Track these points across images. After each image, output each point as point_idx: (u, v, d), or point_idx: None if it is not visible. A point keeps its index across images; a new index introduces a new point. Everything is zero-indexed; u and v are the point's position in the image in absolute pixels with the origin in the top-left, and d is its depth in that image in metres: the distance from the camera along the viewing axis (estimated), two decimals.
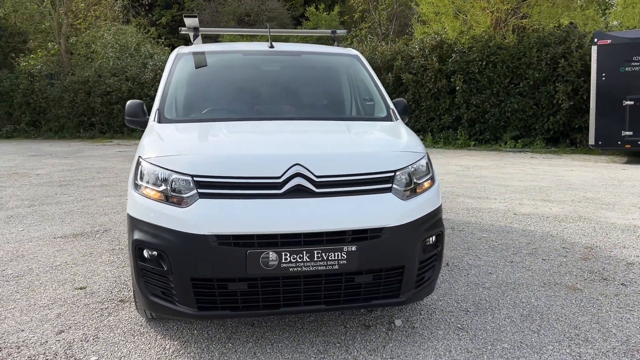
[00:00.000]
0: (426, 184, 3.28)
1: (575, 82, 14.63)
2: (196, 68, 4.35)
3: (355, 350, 3.11)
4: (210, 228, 2.78)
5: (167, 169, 2.96)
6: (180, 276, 2.82)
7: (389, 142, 3.38)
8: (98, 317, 3.61)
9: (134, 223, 3.00)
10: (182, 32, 4.95)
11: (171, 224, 2.83)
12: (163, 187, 2.94)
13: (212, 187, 2.89)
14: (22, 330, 3.41)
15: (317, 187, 2.94)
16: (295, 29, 24.97)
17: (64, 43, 26.57)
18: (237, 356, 3.04)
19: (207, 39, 22.35)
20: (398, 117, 4.00)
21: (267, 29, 4.72)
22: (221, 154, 3.08)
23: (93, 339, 3.27)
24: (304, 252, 2.80)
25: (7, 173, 11.20)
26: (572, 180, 9.43)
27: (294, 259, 2.80)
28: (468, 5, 16.65)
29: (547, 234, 5.74)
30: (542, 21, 16.86)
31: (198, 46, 4.53)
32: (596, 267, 4.63)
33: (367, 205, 2.96)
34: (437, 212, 3.26)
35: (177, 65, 4.19)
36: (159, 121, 3.69)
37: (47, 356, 3.06)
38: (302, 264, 2.81)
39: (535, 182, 9.33)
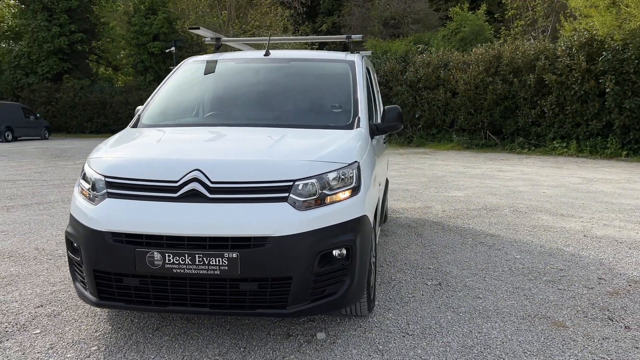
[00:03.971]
0: (342, 195, 3.16)
1: None
2: (205, 74, 4.63)
3: (250, 358, 3.13)
4: (108, 225, 3.04)
5: (93, 169, 3.31)
6: (87, 267, 3.13)
7: (305, 151, 3.30)
8: (78, 297, 4.11)
9: (70, 218, 3.40)
10: (207, 42, 5.30)
11: (83, 220, 3.16)
12: (88, 186, 3.29)
13: (119, 187, 3.15)
14: (16, 301, 4.04)
15: (211, 192, 3.03)
16: (421, 31, 24.16)
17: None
18: (145, 347, 3.25)
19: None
20: (361, 125, 3.85)
21: (268, 37, 4.88)
22: (131, 157, 3.33)
23: (54, 315, 3.75)
24: (186, 254, 2.92)
25: None
26: None
27: (176, 260, 2.93)
28: None
29: (596, 261, 4.97)
30: None
31: (204, 56, 4.84)
32: (616, 305, 3.93)
33: (256, 213, 2.97)
34: (349, 224, 3.12)
35: (174, 74, 4.56)
36: (133, 126, 4.08)
37: (9, 323, 3.61)
38: (184, 266, 2.93)
39: None
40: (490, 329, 3.52)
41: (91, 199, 3.22)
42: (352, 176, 3.26)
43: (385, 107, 4.34)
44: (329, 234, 3.05)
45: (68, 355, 3.17)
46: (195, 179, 3.05)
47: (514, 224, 6.53)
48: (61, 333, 3.47)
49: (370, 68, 5.23)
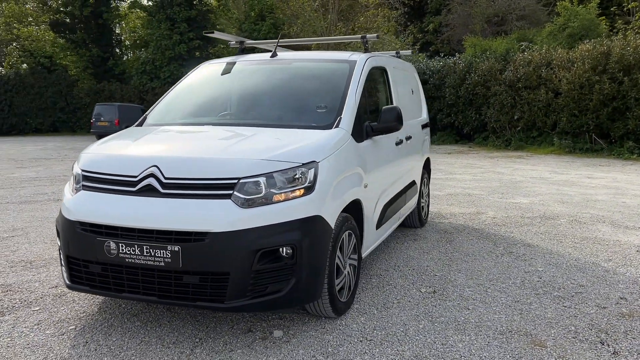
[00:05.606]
0: (291, 194, 3.17)
1: None
2: (221, 75, 4.81)
3: (198, 349, 3.22)
4: (77, 215, 3.32)
5: (77, 164, 3.63)
6: (63, 253, 3.44)
7: (260, 150, 3.30)
8: None
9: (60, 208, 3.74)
10: (232, 46, 5.49)
11: (63, 210, 3.48)
12: (73, 178, 3.61)
13: (91, 180, 3.42)
14: (38, 281, 4.50)
15: (164, 187, 3.18)
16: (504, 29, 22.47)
17: None
18: (114, 330, 3.49)
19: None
20: (341, 126, 3.79)
21: (277, 40, 4.95)
22: (107, 153, 3.59)
23: (60, 296, 4.13)
24: (136, 245, 3.10)
25: None
26: None
27: (128, 251, 3.12)
28: None
29: (630, 279, 4.44)
30: None
31: (223, 59, 5.02)
32: (619, 327, 3.51)
33: (199, 209, 3.07)
34: (296, 223, 3.12)
35: (187, 77, 4.80)
36: (139, 125, 4.36)
37: (20, 299, 4.05)
38: (135, 256, 3.11)
39: None
40: (457, 342, 3.31)
41: (72, 191, 3.53)
42: (306, 176, 3.25)
43: (383, 107, 4.24)
44: (271, 232, 3.07)
45: (47, 332, 3.49)
46: (152, 175, 3.23)
47: (562, 234, 6.00)
48: (55, 312, 3.82)
49: (390, 68, 5.09)
